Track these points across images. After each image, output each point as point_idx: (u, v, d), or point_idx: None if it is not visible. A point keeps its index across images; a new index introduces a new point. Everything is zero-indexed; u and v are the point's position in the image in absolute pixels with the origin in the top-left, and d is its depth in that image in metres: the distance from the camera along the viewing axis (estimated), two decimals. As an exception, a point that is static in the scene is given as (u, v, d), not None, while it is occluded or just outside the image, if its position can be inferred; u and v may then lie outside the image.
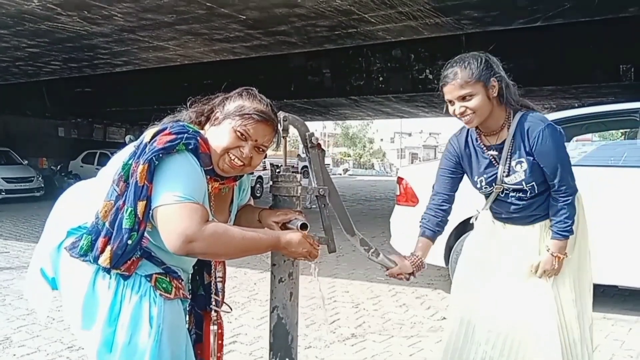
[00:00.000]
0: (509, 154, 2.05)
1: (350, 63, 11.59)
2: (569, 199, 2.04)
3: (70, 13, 7.02)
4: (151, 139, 1.39)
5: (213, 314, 1.57)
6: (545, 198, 2.10)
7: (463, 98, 1.98)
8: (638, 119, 4.16)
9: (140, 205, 1.35)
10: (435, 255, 4.51)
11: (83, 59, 10.12)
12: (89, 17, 7.20)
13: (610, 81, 9.21)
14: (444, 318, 3.88)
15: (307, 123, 1.73)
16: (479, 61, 1.99)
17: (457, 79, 1.98)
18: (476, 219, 2.33)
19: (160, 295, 1.42)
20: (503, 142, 2.07)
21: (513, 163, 2.05)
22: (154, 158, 1.35)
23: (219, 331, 1.57)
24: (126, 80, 13.19)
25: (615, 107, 4.63)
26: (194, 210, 1.34)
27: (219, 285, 1.68)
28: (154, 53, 9.40)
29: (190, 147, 1.40)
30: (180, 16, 7.05)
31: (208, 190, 1.48)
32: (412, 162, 44.82)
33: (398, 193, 4.84)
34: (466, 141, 2.17)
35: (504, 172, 2.07)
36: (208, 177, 1.48)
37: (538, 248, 2.14)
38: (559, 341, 2.04)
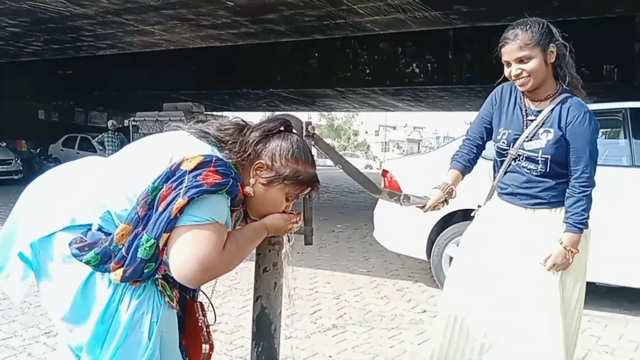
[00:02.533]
0: (542, 121, 2.06)
1: (337, 54, 11.55)
2: (587, 190, 2.03)
3: (53, -7, 6.88)
4: (193, 169, 1.28)
5: (203, 329, 1.51)
6: (554, 185, 2.08)
7: (520, 60, 2.00)
8: (620, 119, 4.22)
9: (164, 237, 1.26)
10: (417, 248, 4.55)
11: (66, 41, 9.93)
12: (72, -2, 7.06)
13: (594, 81, 9.31)
14: (424, 311, 3.91)
15: (293, 113, 1.72)
16: (541, 26, 2.01)
17: (517, 40, 2.00)
18: (477, 213, 2.33)
19: (167, 302, 1.35)
20: (541, 111, 2.08)
21: (540, 130, 2.06)
22: (196, 197, 1.26)
23: (210, 352, 1.51)
24: (110, 64, 12.98)
25: (598, 107, 4.67)
26: (216, 233, 1.28)
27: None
28: (139, 37, 9.26)
29: (230, 195, 1.34)
30: (167, 0, 6.95)
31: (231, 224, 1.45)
32: (402, 154, 45.02)
33: (382, 186, 4.85)
34: (511, 93, 2.19)
35: (527, 136, 2.08)
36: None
37: (539, 238, 2.10)
38: (563, 339, 2.04)
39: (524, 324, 2.08)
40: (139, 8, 7.38)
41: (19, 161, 14.30)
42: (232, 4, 6.96)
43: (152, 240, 1.25)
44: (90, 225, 1.31)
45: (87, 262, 1.27)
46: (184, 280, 1.28)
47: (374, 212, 4.98)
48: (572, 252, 2.03)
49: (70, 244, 1.29)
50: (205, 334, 1.51)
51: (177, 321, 1.43)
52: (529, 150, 2.07)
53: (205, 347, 1.49)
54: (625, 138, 4.19)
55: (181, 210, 1.25)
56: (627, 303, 4.22)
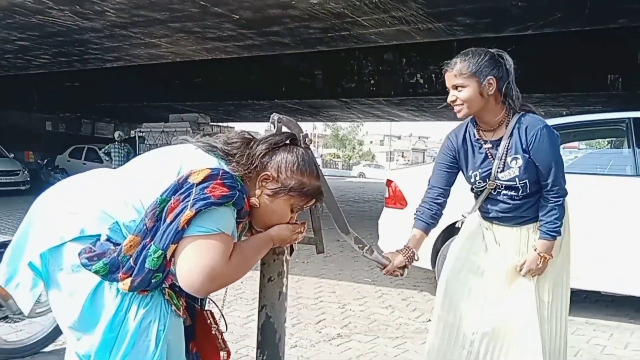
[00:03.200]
0: (506, 150, 2.09)
1: (342, 65, 11.62)
2: (559, 200, 2.08)
3: (62, 7, 6.97)
4: (201, 182, 1.30)
5: (218, 337, 1.53)
6: (536, 200, 2.14)
7: (456, 87, 2.06)
8: (624, 129, 4.23)
9: (172, 248, 1.28)
10: (422, 257, 4.55)
11: (73, 54, 10.04)
12: (80, 12, 7.15)
13: (598, 90, 9.33)
14: (429, 320, 3.91)
15: (298, 124, 1.75)
16: (482, 57, 2.05)
17: (454, 68, 2.06)
18: (462, 223, 2.37)
19: (174, 311, 1.38)
20: (500, 139, 2.11)
21: (509, 159, 2.09)
22: (203, 209, 1.28)
23: (227, 359, 1.53)
24: (116, 76, 13.10)
25: (602, 117, 4.70)
26: (222, 243, 1.31)
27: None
28: (146, 50, 9.36)
29: (237, 207, 1.36)
30: (174, 14, 7.03)
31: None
32: (407, 163, 44.73)
33: (387, 195, 4.87)
34: (464, 137, 2.21)
35: (498, 167, 2.11)
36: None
37: (523, 250, 2.17)
38: (540, 338, 2.09)
39: (508, 328, 2.15)
40: (145, 21, 7.46)
41: (26, 172, 14.42)
42: (238, 17, 7.03)
43: (160, 252, 1.27)
44: (99, 235, 1.33)
45: (96, 272, 1.29)
46: (190, 289, 1.29)
47: (379, 221, 5.00)
48: (545, 258, 2.10)
49: (79, 254, 1.31)
50: (220, 342, 1.53)
51: (183, 329, 1.45)
52: (505, 181, 2.12)
53: (223, 355, 1.51)
54: (629, 147, 4.20)
55: (189, 222, 1.27)
56: (633, 312, 4.21)
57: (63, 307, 1.35)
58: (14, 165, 14.27)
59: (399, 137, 63.24)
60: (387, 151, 59.60)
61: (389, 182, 4.87)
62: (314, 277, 5.19)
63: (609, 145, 8.17)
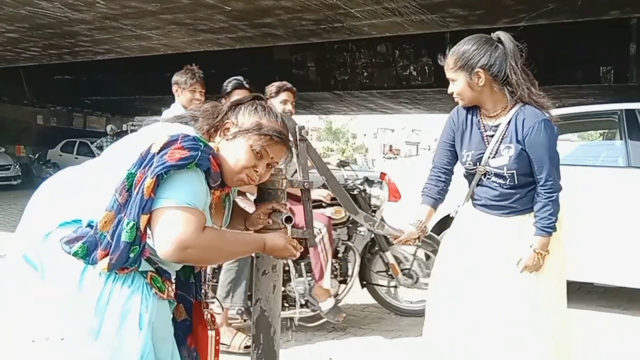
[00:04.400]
0: (501, 137, 2.10)
1: (335, 57, 11.58)
2: (553, 196, 2.07)
3: (51, -2, 6.90)
4: (160, 150, 1.33)
5: (208, 317, 1.56)
6: (526, 193, 2.13)
7: (451, 80, 2.12)
8: (616, 120, 4.24)
9: (144, 219, 1.31)
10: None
11: (63, 46, 9.94)
12: (70, 4, 7.07)
13: (591, 82, 9.35)
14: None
15: (292, 117, 1.74)
16: (471, 48, 2.05)
17: (445, 63, 2.12)
18: (456, 212, 2.37)
19: (155, 294, 1.39)
20: (498, 125, 2.11)
21: (502, 147, 2.10)
22: (163, 173, 1.30)
23: (217, 338, 1.54)
24: (108, 68, 12.99)
25: (594, 109, 4.71)
26: (194, 216, 1.32)
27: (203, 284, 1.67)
28: (137, 42, 9.28)
29: (202, 168, 1.37)
30: (165, 5, 6.97)
31: (210, 201, 1.48)
32: (396, 157, 44.71)
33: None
34: (466, 115, 2.22)
35: (491, 153, 2.12)
36: (211, 188, 1.47)
37: (515, 243, 2.15)
38: (541, 331, 2.08)
39: (509, 330, 2.12)
40: (136, 13, 7.40)
41: (17, 166, 14.30)
42: (230, 8, 6.98)
43: (132, 223, 1.30)
44: (80, 221, 1.38)
45: (75, 254, 1.33)
46: (167, 258, 1.33)
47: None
48: (541, 254, 2.09)
49: (60, 240, 1.35)
50: (210, 322, 1.56)
51: (170, 313, 1.48)
52: (494, 167, 2.12)
53: (210, 334, 1.53)
54: (621, 139, 4.21)
55: (154, 191, 1.31)
56: (626, 303, 4.24)
57: (53, 298, 1.39)
58: (5, 159, 14.14)
59: (393, 130, 63.21)
60: (380, 144, 59.65)
61: (382, 175, 4.86)
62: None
63: (601, 137, 8.21)
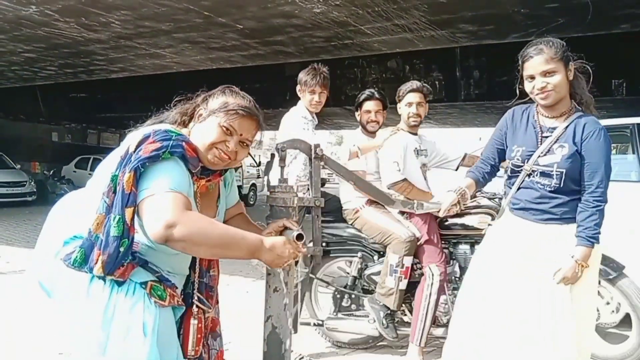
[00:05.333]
0: (557, 138, 2.10)
1: (345, 73, 11.66)
2: (601, 205, 2.04)
3: (68, 19, 7.05)
4: (136, 148, 1.41)
5: (194, 309, 1.60)
6: (567, 201, 2.10)
7: (545, 73, 2.05)
8: (629, 135, 4.22)
9: (129, 212, 1.37)
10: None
11: (79, 65, 10.13)
12: (86, 24, 7.23)
13: (603, 95, 9.30)
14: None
15: (303, 140, 1.77)
16: (562, 44, 2.08)
17: (542, 54, 2.05)
18: (489, 229, 2.38)
19: (155, 302, 1.44)
20: (555, 128, 2.12)
21: (555, 146, 2.10)
22: (139, 166, 1.38)
23: (199, 325, 1.58)
24: (122, 86, 13.19)
25: (607, 122, 4.68)
26: (178, 198, 1.37)
27: (212, 286, 1.69)
28: (151, 60, 9.43)
29: (176, 154, 1.43)
30: (178, 24, 7.09)
31: (194, 189, 1.53)
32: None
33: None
34: (522, 114, 2.24)
35: (542, 151, 2.11)
36: (195, 177, 1.52)
37: (549, 253, 2.11)
38: (573, 347, 2.05)
39: (537, 337, 2.09)
40: (150, 32, 7.53)
41: (32, 183, 14.47)
42: (242, 27, 7.09)
43: (118, 216, 1.37)
44: (81, 235, 1.45)
45: (75, 262, 1.39)
46: (153, 236, 1.35)
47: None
48: (582, 266, 2.03)
49: (62, 259, 1.42)
50: (195, 313, 1.59)
51: (173, 319, 1.53)
52: (543, 165, 2.10)
53: (193, 323, 1.58)
54: (633, 153, 4.19)
55: (135, 185, 1.37)
56: None
57: (64, 315, 1.46)
58: (21, 176, 14.33)
59: (404, 144, 63.25)
60: (391, 158, 59.44)
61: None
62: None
63: (614, 150, 8.15)
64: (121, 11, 6.59)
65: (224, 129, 1.52)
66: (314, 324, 3.33)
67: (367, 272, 3.24)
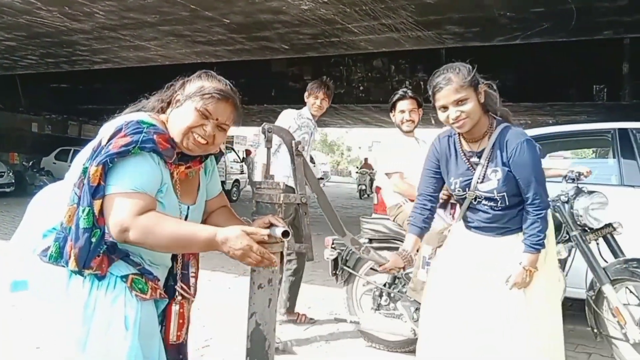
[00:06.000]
0: (487, 162, 2.12)
1: (331, 71, 11.63)
2: (541, 213, 2.10)
3: (50, 8, 6.93)
4: (108, 141, 1.41)
5: (177, 297, 1.61)
6: (517, 213, 2.16)
7: (457, 102, 2.05)
8: (609, 139, 4.29)
9: (97, 204, 1.38)
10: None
11: (61, 55, 9.96)
12: (69, 13, 7.11)
13: (584, 100, 9.44)
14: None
15: (289, 131, 1.76)
16: (468, 68, 2.08)
17: (451, 83, 2.05)
18: (449, 231, 2.39)
19: (136, 296, 1.44)
20: (482, 150, 2.14)
21: (489, 171, 2.12)
22: (108, 161, 1.38)
23: (180, 310, 1.59)
24: (104, 78, 13.00)
25: (588, 127, 4.76)
26: (133, 200, 1.38)
27: (192, 280, 1.68)
28: (135, 52, 9.31)
29: (146, 150, 1.42)
30: (164, 17, 7.01)
31: (174, 177, 1.53)
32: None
33: (375, 202, 4.88)
34: (448, 144, 2.25)
35: (479, 178, 2.14)
36: (173, 165, 1.51)
37: (505, 259, 2.18)
38: (532, 346, 2.10)
39: (496, 345, 2.14)
40: (135, 24, 7.44)
41: (11, 174, 14.19)
42: (228, 21, 7.04)
43: (87, 208, 1.37)
44: (57, 227, 1.44)
45: (51, 258, 1.39)
46: (113, 237, 1.40)
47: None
48: (530, 271, 2.11)
49: (38, 255, 1.43)
50: (178, 299, 1.60)
51: (155, 312, 1.53)
52: (484, 192, 2.14)
53: (174, 308, 1.59)
54: (614, 157, 4.25)
55: (103, 178, 1.38)
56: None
57: (43, 310, 1.44)
58: (-1, 166, 14.07)
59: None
60: (375, 157, 59.77)
61: (377, 189, 4.88)
62: (303, 283, 5.17)
63: (594, 154, 8.28)
64: (106, 1, 6.50)
65: (200, 112, 1.51)
66: (350, 322, 3.29)
67: (406, 269, 3.18)
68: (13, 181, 14.09)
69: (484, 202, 2.18)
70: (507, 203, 2.13)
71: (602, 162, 4.92)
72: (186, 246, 1.47)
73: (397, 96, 3.56)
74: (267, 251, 1.44)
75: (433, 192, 2.31)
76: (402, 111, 3.52)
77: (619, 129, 4.21)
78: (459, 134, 2.19)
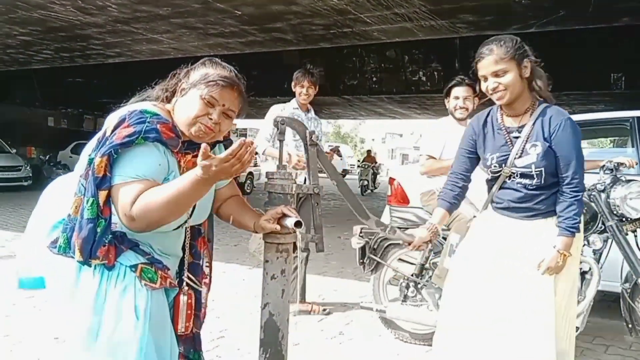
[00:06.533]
0: (527, 136, 2.10)
1: (344, 62, 11.61)
2: (578, 195, 2.07)
3: (64, 2, 6.97)
4: (112, 132, 1.41)
5: (184, 287, 1.61)
6: (550, 195, 2.12)
7: (497, 74, 2.05)
8: (628, 128, 4.21)
9: (102, 195, 1.38)
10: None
11: (75, 49, 10.03)
12: (82, 7, 7.14)
13: (601, 89, 9.31)
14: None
15: (302, 122, 1.75)
16: (514, 41, 2.07)
17: (492, 54, 2.05)
18: (474, 217, 2.37)
19: (145, 285, 1.44)
20: (523, 126, 2.12)
21: (528, 146, 2.10)
22: (112, 152, 1.38)
23: (189, 301, 1.59)
24: (118, 71, 13.09)
25: (606, 116, 4.68)
26: (134, 187, 1.38)
27: (206, 270, 1.68)
28: (148, 45, 9.35)
29: (149, 140, 1.41)
30: (176, 9, 7.02)
31: (181, 166, 1.51)
32: (402, 163, 44.73)
33: (389, 193, 4.86)
34: (486, 120, 2.23)
35: (517, 153, 2.11)
36: (179, 154, 1.51)
37: (532, 245, 2.14)
38: (554, 335, 2.08)
39: (519, 329, 2.11)
40: (148, 17, 7.46)
41: (28, 168, 14.39)
42: (240, 13, 7.02)
43: (92, 199, 1.37)
44: (65, 219, 1.45)
45: (60, 249, 1.40)
46: (127, 227, 1.42)
47: (382, 219, 4.98)
48: (564, 255, 2.08)
49: (48, 247, 1.44)
50: (186, 290, 1.60)
51: (166, 301, 1.53)
52: (521, 167, 2.11)
53: (182, 299, 1.59)
54: (632, 147, 4.17)
55: (108, 169, 1.38)
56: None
57: (57, 302, 1.47)
58: (16, 161, 14.24)
59: (401, 135, 63.16)
60: (389, 149, 59.57)
61: (391, 180, 4.86)
62: (315, 274, 5.19)
63: (612, 144, 8.15)
64: (118, -5, 6.53)
65: (206, 100, 1.50)
66: (376, 310, 3.28)
67: (434, 259, 3.14)
68: (30, 175, 14.28)
69: (518, 179, 2.14)
70: (543, 181, 2.09)
71: (621, 151, 4.83)
72: (185, 201, 1.40)
73: (453, 82, 3.49)
74: (242, 152, 1.34)
75: (466, 172, 2.30)
76: (457, 97, 3.44)
77: (638, 117, 4.13)
78: (500, 108, 2.18)
